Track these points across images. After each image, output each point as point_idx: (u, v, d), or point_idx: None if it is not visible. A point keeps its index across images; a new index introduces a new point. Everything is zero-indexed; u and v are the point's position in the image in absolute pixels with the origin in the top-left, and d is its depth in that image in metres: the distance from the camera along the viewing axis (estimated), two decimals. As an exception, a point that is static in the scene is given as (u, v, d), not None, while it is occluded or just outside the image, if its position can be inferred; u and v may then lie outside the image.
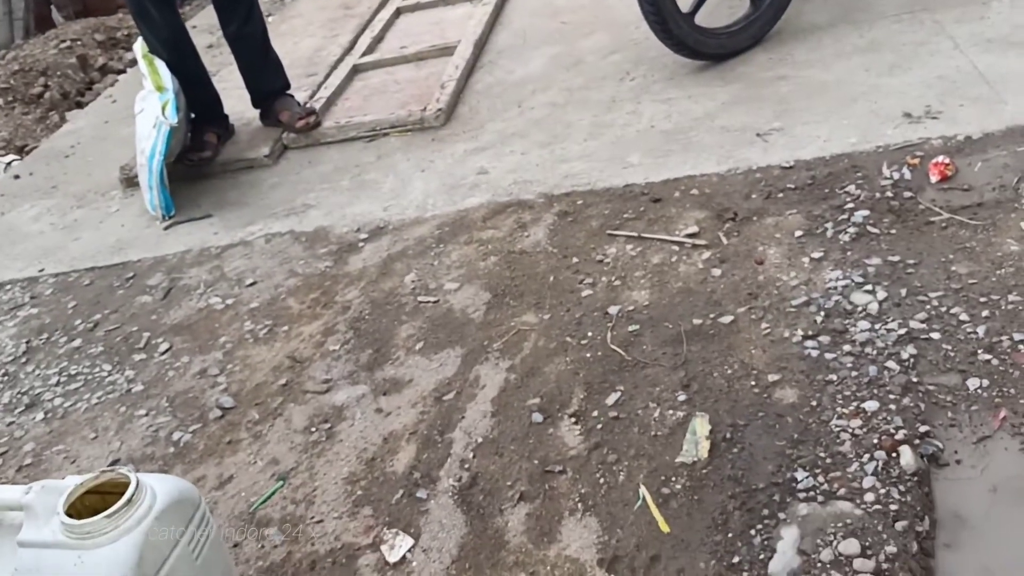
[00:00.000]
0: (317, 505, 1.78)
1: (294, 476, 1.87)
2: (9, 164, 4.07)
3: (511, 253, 2.38)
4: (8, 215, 3.41)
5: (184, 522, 1.28)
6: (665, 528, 1.54)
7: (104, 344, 2.46)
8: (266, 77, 3.36)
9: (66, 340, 2.52)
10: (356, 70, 3.82)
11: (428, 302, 2.29)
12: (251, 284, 2.57)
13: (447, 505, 1.70)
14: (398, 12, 4.40)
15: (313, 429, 1.98)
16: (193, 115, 3.27)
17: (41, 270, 2.93)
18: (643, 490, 1.62)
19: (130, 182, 3.34)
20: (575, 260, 2.28)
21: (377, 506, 1.74)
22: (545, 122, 3.02)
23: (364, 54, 3.93)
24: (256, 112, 3.45)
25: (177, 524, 1.27)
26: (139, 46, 3.16)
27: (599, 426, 1.78)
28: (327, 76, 3.79)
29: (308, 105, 3.43)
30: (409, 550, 1.62)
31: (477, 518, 1.66)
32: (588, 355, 1.97)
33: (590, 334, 2.03)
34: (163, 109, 3.00)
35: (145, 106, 3.11)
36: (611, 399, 1.83)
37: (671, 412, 1.76)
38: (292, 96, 3.41)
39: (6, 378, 2.43)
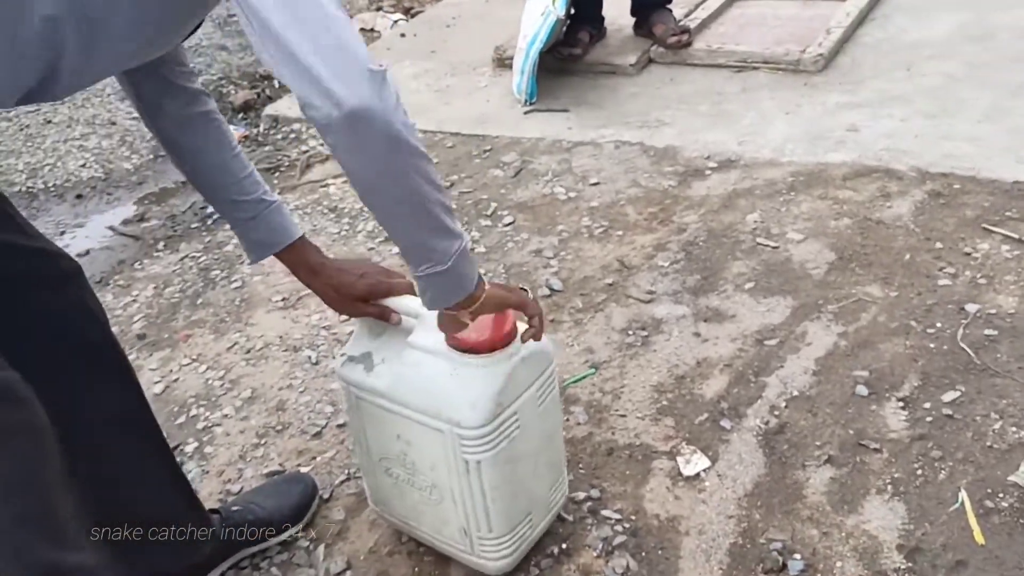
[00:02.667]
0: (623, 401, 1.88)
1: (605, 369, 1.97)
2: (396, 23, 4.50)
3: (867, 220, 2.27)
4: (391, 69, 3.79)
5: (538, 372, 1.41)
6: (980, 539, 1.46)
7: (456, 203, 2.70)
8: (653, -13, 3.39)
9: (427, 190, 2.80)
10: (737, -3, 3.74)
11: (767, 246, 2.26)
12: (594, 184, 2.68)
13: (749, 442, 1.72)
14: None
15: (630, 332, 2.07)
16: (572, 11, 3.40)
17: (413, 124, 3.25)
18: (963, 495, 1.53)
19: (500, 63, 3.57)
20: (938, 245, 2.13)
21: (680, 420, 1.80)
22: (935, 92, 2.79)
23: (748, -17, 3.83)
24: (630, 21, 3.51)
25: (533, 372, 1.40)
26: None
27: (929, 419, 1.69)
28: (705, -2, 3.75)
29: (683, 23, 3.43)
30: (704, 470, 1.68)
31: (777, 464, 1.67)
32: (932, 345, 1.86)
33: (939, 325, 1.91)
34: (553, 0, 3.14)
35: (537, -7, 3.27)
36: (948, 396, 1.73)
37: (1014, 430, 1.64)
38: (671, 11, 3.42)
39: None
